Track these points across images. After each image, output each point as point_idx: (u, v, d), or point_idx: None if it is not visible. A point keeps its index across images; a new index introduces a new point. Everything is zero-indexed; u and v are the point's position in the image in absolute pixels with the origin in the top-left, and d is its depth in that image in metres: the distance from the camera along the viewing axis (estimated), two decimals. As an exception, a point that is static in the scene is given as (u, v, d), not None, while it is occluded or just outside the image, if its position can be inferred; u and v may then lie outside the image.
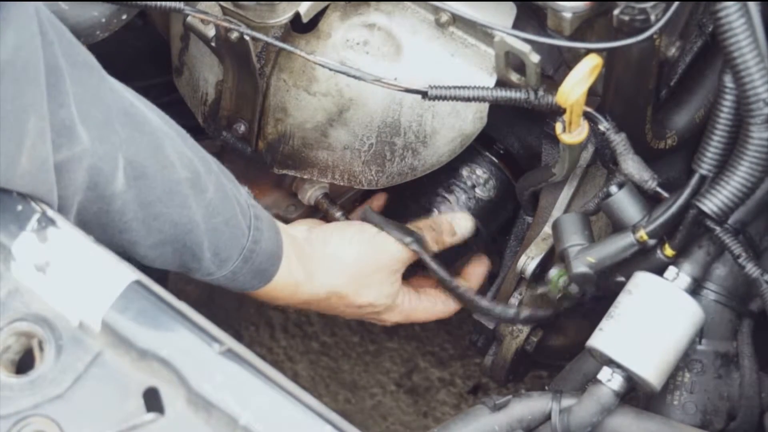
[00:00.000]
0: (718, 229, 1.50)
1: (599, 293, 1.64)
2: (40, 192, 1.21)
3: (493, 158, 1.79)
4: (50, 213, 1.20)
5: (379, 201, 1.83)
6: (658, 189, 1.52)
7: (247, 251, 1.47)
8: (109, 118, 1.29)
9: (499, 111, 1.60)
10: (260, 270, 1.51)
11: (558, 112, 1.47)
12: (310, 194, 1.79)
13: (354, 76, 1.47)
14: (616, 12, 1.38)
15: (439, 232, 1.72)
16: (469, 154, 1.71)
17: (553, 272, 1.66)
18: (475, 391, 2.39)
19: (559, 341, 1.80)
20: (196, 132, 1.81)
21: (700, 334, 1.57)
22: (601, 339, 1.51)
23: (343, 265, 1.63)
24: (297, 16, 1.57)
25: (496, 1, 1.56)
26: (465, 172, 1.78)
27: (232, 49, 1.57)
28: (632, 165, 1.52)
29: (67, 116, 1.23)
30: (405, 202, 1.80)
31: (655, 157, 1.60)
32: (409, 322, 1.78)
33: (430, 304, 1.76)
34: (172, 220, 1.37)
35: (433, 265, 1.68)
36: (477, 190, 1.78)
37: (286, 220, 1.82)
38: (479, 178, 1.78)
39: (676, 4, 1.38)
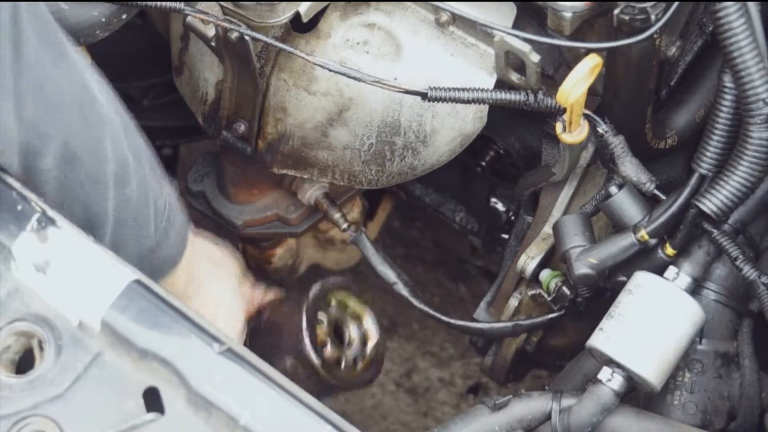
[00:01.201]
0: (715, 231, 1.50)
1: (593, 293, 1.64)
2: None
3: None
4: (50, 213, 1.20)
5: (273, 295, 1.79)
6: (656, 191, 1.52)
7: (148, 251, 1.45)
8: (60, 100, 1.28)
9: (499, 110, 1.60)
10: (154, 269, 1.48)
11: (558, 112, 1.47)
12: (310, 194, 1.79)
13: (353, 77, 1.47)
14: (616, 12, 1.38)
15: None
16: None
17: (545, 274, 1.66)
18: (474, 391, 2.39)
19: (559, 341, 1.80)
20: (196, 132, 1.82)
21: (701, 333, 1.57)
22: (602, 339, 1.51)
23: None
24: (297, 15, 1.56)
25: (497, 0, 1.56)
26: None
27: (232, 48, 1.57)
28: (630, 167, 1.52)
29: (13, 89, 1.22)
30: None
31: (656, 157, 1.60)
32: None
33: None
34: (87, 205, 1.36)
35: (421, 305, 1.72)
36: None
37: (286, 220, 1.83)
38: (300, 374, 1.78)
39: (676, 3, 1.38)
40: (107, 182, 1.36)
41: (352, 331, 1.72)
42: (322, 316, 1.68)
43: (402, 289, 1.73)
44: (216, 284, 1.65)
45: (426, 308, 1.73)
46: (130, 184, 1.39)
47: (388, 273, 1.73)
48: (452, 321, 1.73)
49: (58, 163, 1.30)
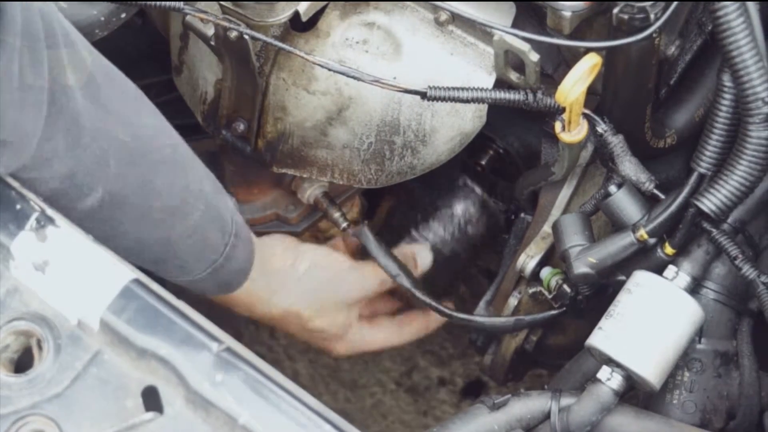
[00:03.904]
0: (714, 230, 1.50)
1: (593, 291, 1.64)
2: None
3: (487, 197, 1.80)
4: (49, 212, 1.20)
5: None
6: (655, 191, 1.52)
7: (217, 265, 1.48)
8: (104, 153, 1.28)
9: (498, 109, 1.60)
10: (224, 282, 1.53)
11: (557, 112, 1.47)
12: (310, 193, 1.78)
13: (353, 77, 1.47)
14: (615, 11, 1.38)
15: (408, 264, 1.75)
16: (465, 191, 1.72)
17: (546, 272, 1.66)
18: (471, 389, 2.39)
19: (558, 340, 1.80)
20: (196, 131, 1.82)
21: (700, 333, 1.57)
22: (601, 338, 1.51)
23: (305, 288, 1.66)
24: (296, 14, 1.57)
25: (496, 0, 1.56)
26: (460, 210, 1.80)
27: (232, 47, 1.57)
28: (630, 167, 1.52)
29: (48, 148, 1.22)
30: (398, 232, 1.82)
31: (655, 156, 1.60)
32: (359, 353, 1.79)
33: (383, 336, 1.78)
34: (138, 237, 1.38)
35: (421, 296, 1.71)
36: (469, 227, 1.80)
37: (286, 219, 1.83)
38: (472, 216, 1.80)
39: (675, 3, 1.38)
40: (158, 217, 1.38)
41: None
42: None
43: (405, 281, 1.72)
44: (303, 263, 1.66)
45: (428, 300, 1.72)
46: (192, 215, 1.41)
47: (391, 265, 1.72)
48: (454, 313, 1.72)
49: (101, 206, 1.32)
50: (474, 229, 1.81)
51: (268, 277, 1.59)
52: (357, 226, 1.80)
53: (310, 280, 1.66)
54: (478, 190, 1.80)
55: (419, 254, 1.79)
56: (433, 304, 1.72)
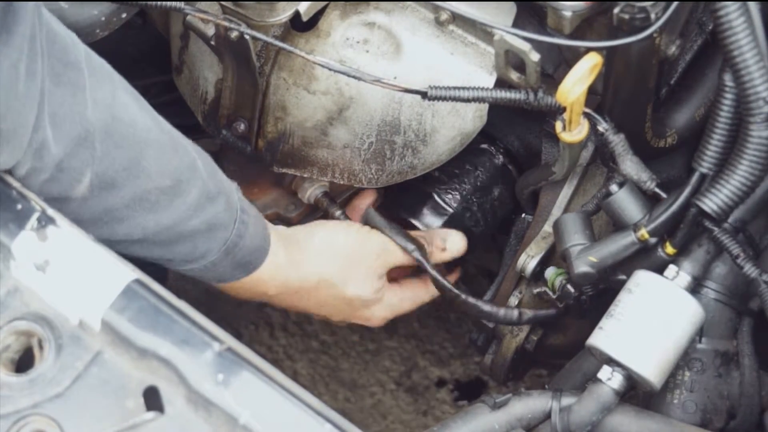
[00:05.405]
0: (716, 229, 1.50)
1: (597, 291, 1.64)
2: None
3: (488, 146, 1.79)
4: (50, 212, 1.20)
5: (368, 198, 1.81)
6: (657, 190, 1.52)
7: (230, 243, 1.48)
8: (88, 135, 1.29)
9: (499, 109, 1.60)
10: (243, 263, 1.52)
11: (558, 111, 1.47)
12: (310, 193, 1.78)
13: (353, 76, 1.47)
14: (616, 10, 1.38)
15: (431, 245, 1.73)
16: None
17: (550, 272, 1.66)
18: (472, 390, 2.39)
19: (559, 340, 1.80)
20: (196, 131, 1.82)
21: (700, 332, 1.57)
22: (602, 337, 1.51)
23: (333, 253, 1.64)
24: (297, 14, 1.57)
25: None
26: (469, 165, 1.78)
27: (232, 47, 1.57)
28: (631, 165, 1.52)
29: (37, 139, 1.24)
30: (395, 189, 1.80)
31: (655, 156, 1.61)
32: (396, 315, 1.77)
33: (412, 294, 1.77)
34: (139, 223, 1.39)
35: (434, 272, 1.69)
36: (479, 173, 1.78)
37: (286, 219, 1.83)
38: (480, 165, 1.79)
39: (675, 3, 1.38)
40: (154, 199, 1.38)
41: None
42: None
43: (419, 255, 1.69)
44: (319, 232, 1.65)
45: (439, 277, 1.69)
46: (189, 193, 1.42)
47: (404, 241, 1.69)
48: (462, 294, 1.69)
49: (94, 192, 1.33)
50: (485, 178, 1.78)
51: (289, 250, 1.58)
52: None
53: (330, 249, 1.64)
54: (483, 145, 1.77)
55: (451, 238, 1.75)
56: (442, 281, 1.69)
